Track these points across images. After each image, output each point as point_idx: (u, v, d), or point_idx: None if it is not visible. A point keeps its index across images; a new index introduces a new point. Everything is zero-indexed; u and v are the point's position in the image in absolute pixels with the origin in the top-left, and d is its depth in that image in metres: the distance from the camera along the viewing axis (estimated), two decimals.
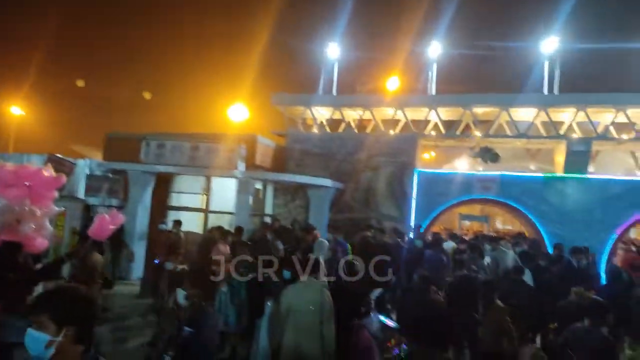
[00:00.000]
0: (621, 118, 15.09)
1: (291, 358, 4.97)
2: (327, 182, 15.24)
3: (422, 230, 12.99)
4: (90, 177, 13.05)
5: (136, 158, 13.45)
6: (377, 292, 7.02)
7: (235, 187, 13.40)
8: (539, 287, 7.81)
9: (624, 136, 15.26)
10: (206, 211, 14.46)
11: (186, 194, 14.82)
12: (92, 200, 12.59)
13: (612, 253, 13.33)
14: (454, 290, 6.86)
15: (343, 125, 17.86)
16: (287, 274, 5.88)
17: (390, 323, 6.61)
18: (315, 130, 17.85)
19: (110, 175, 13.55)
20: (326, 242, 9.16)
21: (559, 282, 8.04)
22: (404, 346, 5.59)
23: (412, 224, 14.78)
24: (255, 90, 21.25)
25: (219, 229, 9.72)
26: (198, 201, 14.74)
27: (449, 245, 10.67)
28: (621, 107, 14.85)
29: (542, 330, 7.28)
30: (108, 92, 33.36)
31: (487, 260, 9.66)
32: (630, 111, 14.88)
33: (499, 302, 5.82)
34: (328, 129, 17.85)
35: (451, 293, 6.73)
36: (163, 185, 14.08)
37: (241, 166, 13.39)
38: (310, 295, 5.08)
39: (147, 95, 33.51)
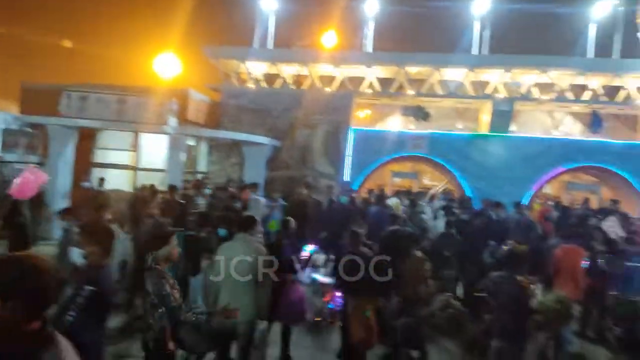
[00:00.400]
0: (543, 79, 15.97)
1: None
2: (263, 139, 15.09)
3: (350, 187, 13.31)
4: (5, 132, 12.06)
5: (56, 111, 12.54)
6: (311, 248, 7.21)
7: (167, 143, 12.95)
8: (464, 238, 8.37)
9: (545, 97, 16.20)
10: (135, 169, 13.91)
11: (113, 150, 14.13)
12: (8, 157, 11.69)
13: (529, 207, 14.38)
14: (383, 243, 7.19)
15: (279, 81, 17.57)
16: (222, 231, 5.85)
17: (325, 280, 6.86)
18: (250, 85, 17.44)
19: (28, 129, 12.59)
20: (262, 199, 9.17)
21: (480, 234, 8.64)
22: (338, 300, 5.83)
23: (344, 181, 15.10)
24: (187, 41, 20.24)
25: (149, 187, 9.42)
26: (126, 158, 14.12)
27: (393, 201, 11.10)
28: (544, 69, 15.68)
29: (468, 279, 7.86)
30: (25, 39, 30.52)
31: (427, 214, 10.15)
32: (552, 73, 15.75)
33: (418, 252, 6.24)
34: (264, 84, 17.50)
35: (381, 246, 7.05)
36: (87, 140, 13.31)
37: (172, 121, 12.90)
38: (246, 252, 5.11)
39: (67, 43, 31.01)
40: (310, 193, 10.83)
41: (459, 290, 8.34)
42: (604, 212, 11.39)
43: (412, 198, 11.54)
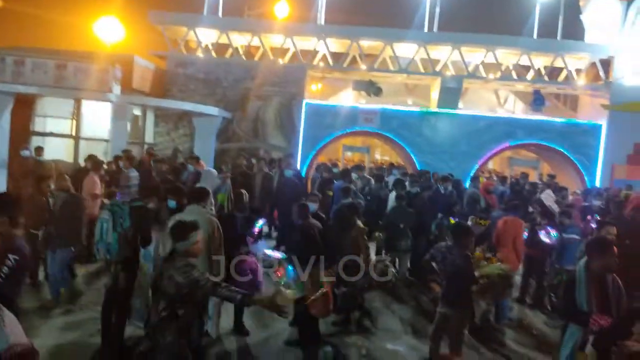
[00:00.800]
0: (490, 58, 16.41)
1: None
2: (214, 110, 14.71)
3: (293, 160, 13.22)
4: None
5: None
6: (261, 222, 7.22)
7: (110, 112, 12.36)
8: (415, 208, 8.62)
9: (491, 75, 16.68)
10: (77, 138, 13.23)
11: (53, 118, 13.35)
12: None
13: (474, 181, 14.92)
14: (334, 216, 7.33)
15: (230, 51, 17.07)
16: (172, 203, 5.70)
17: (277, 254, 6.89)
18: (199, 54, 16.85)
19: None
20: (214, 171, 9.00)
21: (429, 206, 8.91)
22: (291, 271, 5.87)
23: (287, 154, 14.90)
24: (131, 5, 19.19)
25: (92, 158, 9.00)
26: (67, 127, 13.39)
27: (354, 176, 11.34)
28: (491, 48, 16.10)
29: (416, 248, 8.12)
30: None
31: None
32: (498, 52, 16.20)
33: (359, 222, 6.52)
34: (214, 54, 16.96)
35: (333, 218, 7.18)
36: (24, 108, 12.48)
37: (116, 89, 12.32)
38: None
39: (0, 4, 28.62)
40: (258, 166, 10.74)
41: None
42: (539, 186, 12.00)
43: (379, 173, 11.96)
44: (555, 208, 9.23)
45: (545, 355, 5.97)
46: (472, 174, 15.59)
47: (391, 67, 17.19)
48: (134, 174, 8.79)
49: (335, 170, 12.44)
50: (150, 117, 15.58)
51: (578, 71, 16.62)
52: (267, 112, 16.16)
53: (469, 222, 6.79)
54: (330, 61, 16.93)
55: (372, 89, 16.41)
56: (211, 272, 4.89)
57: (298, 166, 15.48)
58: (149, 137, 15.53)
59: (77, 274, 7.19)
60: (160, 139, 15.80)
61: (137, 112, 14.39)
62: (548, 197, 10.18)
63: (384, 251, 8.29)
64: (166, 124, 15.87)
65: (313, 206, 6.73)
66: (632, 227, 6.93)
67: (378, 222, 8.68)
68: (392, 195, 8.87)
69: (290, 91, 16.14)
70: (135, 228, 5.10)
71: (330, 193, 9.40)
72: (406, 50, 16.77)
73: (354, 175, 11.06)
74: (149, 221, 5.23)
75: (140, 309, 5.11)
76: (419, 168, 15.73)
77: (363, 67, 16.92)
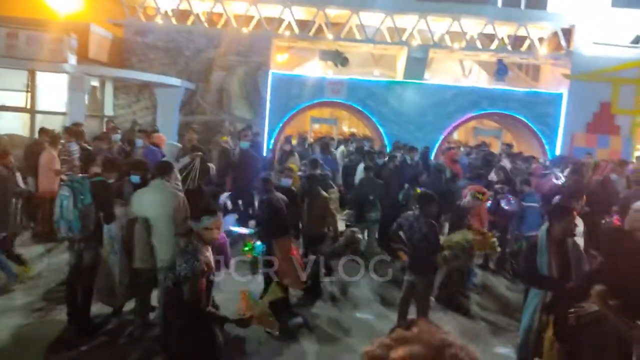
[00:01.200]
0: (455, 27, 16.43)
1: (144, 262, 4.86)
2: (176, 81, 14.28)
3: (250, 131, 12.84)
4: None
5: None
6: (224, 196, 7.18)
7: (67, 83, 11.81)
8: (383, 179, 8.70)
9: (456, 45, 16.74)
10: (31, 111, 12.61)
11: (4, 90, 12.66)
12: None
13: (440, 151, 15.16)
14: (302, 187, 7.35)
15: (191, 19, 16.47)
16: (135, 178, 5.55)
17: (243, 230, 6.88)
18: (159, 21, 16.18)
19: None
20: (177, 145, 8.78)
21: (395, 176, 9.00)
22: (258, 244, 5.87)
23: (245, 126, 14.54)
24: None
25: (47, 132, 8.61)
26: (21, 100, 12.73)
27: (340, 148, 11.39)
28: (456, 17, 16.09)
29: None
30: None
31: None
32: (464, 21, 16.22)
33: (323, 192, 6.61)
34: (174, 21, 16.32)
35: (299, 189, 7.21)
36: None
37: (72, 59, 11.73)
38: (161, 199, 4.91)
39: None
40: (213, 141, 10.55)
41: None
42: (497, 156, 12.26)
43: (360, 145, 12.18)
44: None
45: (508, 318, 6.21)
46: (437, 144, 15.84)
47: (358, 37, 17.00)
48: (74, 147, 8.44)
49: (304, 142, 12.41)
50: (109, 89, 14.99)
51: (541, 40, 16.86)
52: (231, 83, 15.80)
53: (468, 197, 6.89)
54: (297, 30, 16.60)
55: (339, 59, 16.23)
56: (176, 245, 4.82)
57: (266, 138, 15.33)
58: (108, 110, 14.97)
59: (22, 256, 6.58)
60: (121, 111, 15.27)
61: (94, 83, 13.80)
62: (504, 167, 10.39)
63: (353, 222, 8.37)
64: (127, 95, 15.31)
65: (287, 181, 6.72)
66: (594, 191, 7.27)
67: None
68: (360, 167, 8.90)
69: (256, 61, 15.79)
70: (97, 204, 4.94)
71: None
72: (372, 19, 16.59)
73: (340, 148, 11.13)
74: (111, 197, 5.09)
75: (104, 287, 5.01)
76: (385, 139, 15.82)
77: (329, 36, 16.67)
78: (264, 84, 15.73)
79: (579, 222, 5.43)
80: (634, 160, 12.58)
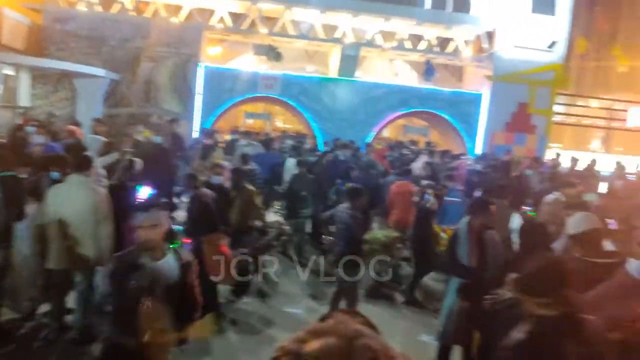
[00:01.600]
0: (386, 27, 16.85)
1: (60, 263, 4.58)
2: (99, 71, 13.55)
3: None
4: None
5: None
6: (147, 190, 6.94)
7: None
8: (315, 175, 8.76)
9: (388, 45, 17.18)
10: None
11: None
12: None
13: (370, 148, 15.44)
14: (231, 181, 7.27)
15: (117, 6, 15.67)
16: (55, 174, 5.21)
17: (173, 227, 6.67)
18: (81, 7, 15.26)
19: None
20: (100, 138, 8.36)
21: (327, 173, 9.10)
22: (186, 245, 5.73)
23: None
24: None
25: None
26: None
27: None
28: (387, 17, 16.50)
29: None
30: None
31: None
32: (394, 21, 16.68)
33: (248, 185, 6.66)
34: (99, 8, 15.46)
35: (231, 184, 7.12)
36: None
37: None
38: (79, 196, 4.65)
39: None
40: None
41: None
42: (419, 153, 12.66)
43: (300, 140, 12.38)
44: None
45: (432, 307, 6.48)
46: (369, 141, 16.17)
47: (291, 32, 16.97)
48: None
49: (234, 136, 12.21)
50: (25, 78, 13.93)
51: (467, 43, 17.69)
52: (160, 75, 15.23)
53: (431, 199, 7.03)
54: (229, 22, 16.28)
55: (272, 53, 16.13)
56: (96, 244, 4.60)
57: (195, 133, 14.94)
58: (24, 101, 13.92)
59: None
60: (39, 102, 14.25)
61: (8, 71, 12.79)
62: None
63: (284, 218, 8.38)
64: (44, 85, 14.32)
65: (218, 178, 6.59)
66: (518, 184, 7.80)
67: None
68: (291, 162, 8.89)
69: (186, 53, 15.32)
70: (6, 201, 4.58)
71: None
72: (306, 14, 16.63)
73: (243, 142, 10.98)
74: (22, 193, 4.74)
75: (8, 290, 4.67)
76: (317, 135, 15.95)
77: (263, 30, 16.52)
78: (193, 76, 15.30)
79: (518, 217, 5.80)
80: (553, 158, 13.46)
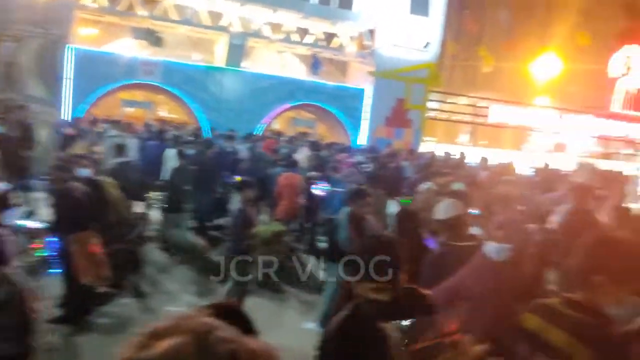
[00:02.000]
0: (274, 19, 16.82)
1: None
2: None
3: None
4: None
5: None
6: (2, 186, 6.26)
7: None
8: (201, 167, 8.47)
9: (275, 36, 17.16)
10: None
11: None
12: None
13: (261, 140, 15.32)
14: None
15: None
16: None
17: (34, 224, 6.04)
18: None
19: None
20: None
21: (214, 164, 8.87)
22: (54, 244, 5.23)
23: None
24: None
25: None
26: None
27: None
28: (274, 8, 16.46)
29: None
30: None
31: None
32: (281, 13, 16.70)
33: (108, 179, 6.37)
34: None
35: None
36: None
37: None
38: None
39: None
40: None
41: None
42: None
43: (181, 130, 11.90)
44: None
45: (318, 295, 6.63)
46: (258, 133, 16.06)
47: (174, 17, 16.18)
48: None
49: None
50: None
51: (351, 39, 18.30)
52: (23, 57, 13.59)
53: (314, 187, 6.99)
54: (104, 2, 15.05)
55: (152, 38, 15.22)
56: None
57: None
58: None
59: None
60: None
61: None
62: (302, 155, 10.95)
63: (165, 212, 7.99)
64: None
65: (85, 171, 6.07)
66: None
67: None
68: (171, 154, 8.43)
69: (54, 33, 13.82)
70: None
71: None
72: (191, 0, 15.99)
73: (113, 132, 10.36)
74: None
75: None
76: (202, 126, 15.47)
77: (142, 13, 15.52)
78: (62, 59, 13.92)
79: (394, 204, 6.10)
80: (430, 151, 14.40)
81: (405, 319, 2.07)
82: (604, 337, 1.84)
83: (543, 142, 23.22)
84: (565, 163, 16.15)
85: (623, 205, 7.89)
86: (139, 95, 19.01)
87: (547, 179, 11.57)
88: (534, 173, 13.41)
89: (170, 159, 8.36)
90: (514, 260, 2.90)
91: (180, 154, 8.06)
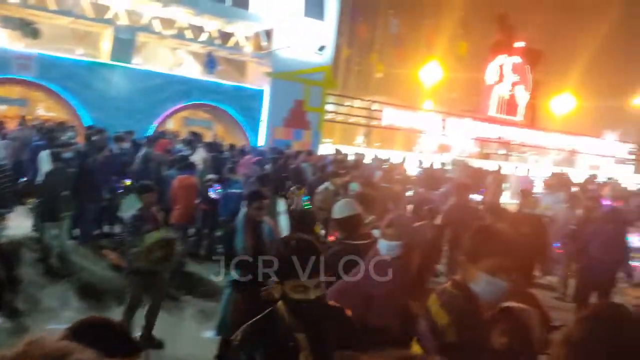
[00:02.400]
0: (165, 14, 16.07)
1: None
2: None
3: None
4: None
5: None
6: None
7: None
8: (85, 171, 7.80)
9: (167, 32, 16.40)
10: None
11: None
12: None
13: (152, 141, 14.48)
14: None
15: None
16: None
17: None
18: None
19: None
20: None
21: (98, 167, 8.22)
22: None
23: None
24: None
25: None
26: None
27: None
28: (165, 3, 15.72)
29: None
30: None
31: None
32: (172, 8, 15.99)
33: None
34: None
35: None
36: None
37: None
38: None
39: None
40: None
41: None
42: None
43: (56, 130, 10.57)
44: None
45: (216, 303, 6.44)
46: (150, 133, 15.20)
47: (52, 7, 14.78)
48: None
49: None
50: None
51: (247, 39, 18.08)
52: None
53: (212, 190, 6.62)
54: None
55: (27, 29, 13.79)
56: None
57: None
58: None
59: None
60: None
61: None
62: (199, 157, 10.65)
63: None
64: None
65: None
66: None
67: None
68: (44, 156, 7.55)
69: None
70: None
71: None
72: None
73: None
74: None
75: None
76: (86, 125, 14.33)
77: (14, 0, 13.98)
78: None
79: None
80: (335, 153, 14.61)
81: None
82: (468, 311, 2.01)
83: (430, 144, 24.87)
84: (448, 163, 17.49)
85: (496, 200, 8.72)
86: (12, 92, 17.11)
87: (432, 177, 12.46)
88: (420, 172, 14.33)
89: (45, 161, 7.49)
90: (404, 256, 3.02)
91: (55, 156, 7.29)
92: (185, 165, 8.52)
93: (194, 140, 12.97)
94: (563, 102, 29.61)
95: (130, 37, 15.34)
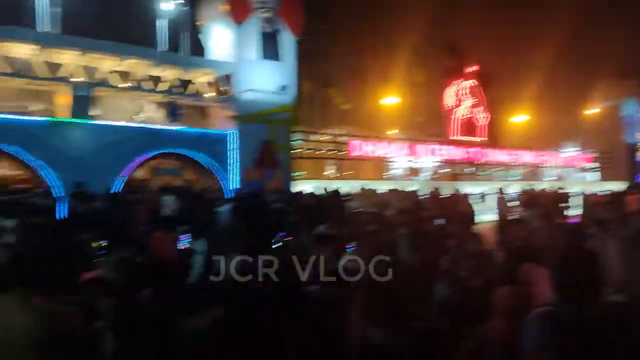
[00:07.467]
0: (121, 67, 15.88)
1: None
2: None
3: None
4: None
5: None
6: None
7: None
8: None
9: (123, 85, 16.15)
10: None
11: None
12: None
13: (127, 193, 13.86)
14: None
15: None
16: None
17: None
18: None
19: None
20: None
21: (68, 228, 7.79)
22: None
23: None
24: None
25: None
26: None
27: None
28: (121, 57, 15.57)
29: None
30: None
31: None
32: (129, 62, 15.85)
33: None
34: None
35: None
36: None
37: None
38: None
39: None
40: None
41: None
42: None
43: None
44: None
45: None
46: (119, 186, 14.69)
47: (4, 69, 14.34)
48: None
49: None
50: None
51: (209, 84, 17.99)
52: None
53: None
54: None
55: None
56: None
57: None
58: None
59: None
60: None
61: None
62: (170, 201, 10.26)
63: None
64: None
65: None
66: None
67: None
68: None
69: None
70: None
71: None
72: (21, 50, 14.40)
73: None
74: None
75: None
76: (51, 185, 13.76)
77: None
78: None
79: None
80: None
81: None
82: None
83: (400, 169, 25.09)
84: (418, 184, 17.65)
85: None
86: None
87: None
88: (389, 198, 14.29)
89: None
90: None
91: (21, 223, 6.79)
92: (161, 221, 8.18)
93: (163, 191, 12.61)
94: (520, 119, 30.75)
95: (86, 93, 15.02)
